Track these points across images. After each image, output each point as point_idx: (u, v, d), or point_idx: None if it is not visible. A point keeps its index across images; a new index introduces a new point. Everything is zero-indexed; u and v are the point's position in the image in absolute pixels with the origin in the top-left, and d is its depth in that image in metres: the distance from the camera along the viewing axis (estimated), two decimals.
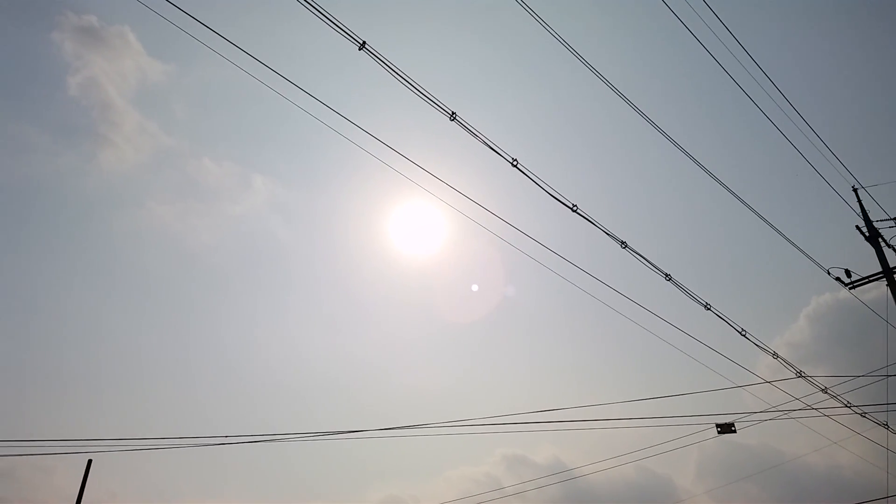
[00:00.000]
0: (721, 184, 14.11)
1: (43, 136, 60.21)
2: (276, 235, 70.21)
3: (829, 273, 17.71)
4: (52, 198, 60.18)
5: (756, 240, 69.28)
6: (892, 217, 18.14)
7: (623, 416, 14.93)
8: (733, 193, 14.51)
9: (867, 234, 18.04)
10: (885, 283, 17.14)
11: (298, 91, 8.43)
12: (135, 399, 49.31)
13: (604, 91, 12.52)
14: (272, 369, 59.34)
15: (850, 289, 18.00)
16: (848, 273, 17.83)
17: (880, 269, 17.36)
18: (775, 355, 13.77)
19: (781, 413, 15.92)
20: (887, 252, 17.66)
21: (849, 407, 15.30)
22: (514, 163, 9.49)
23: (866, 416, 15.83)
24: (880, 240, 17.85)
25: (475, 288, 64.90)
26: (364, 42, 7.99)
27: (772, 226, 15.58)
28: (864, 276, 17.65)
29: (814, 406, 15.27)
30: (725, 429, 14.31)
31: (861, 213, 18.34)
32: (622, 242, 10.91)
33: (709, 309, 12.35)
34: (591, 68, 11.48)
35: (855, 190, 18.68)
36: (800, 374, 14.27)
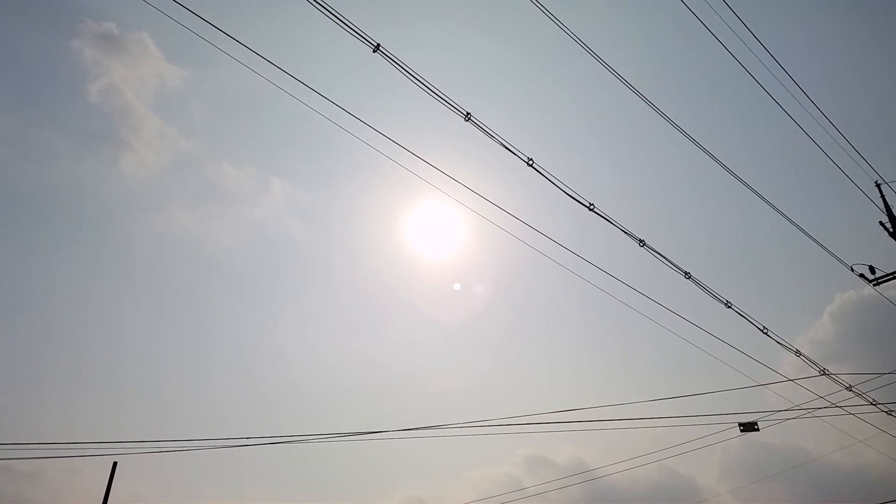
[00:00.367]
0: (741, 181, 13.98)
1: (65, 142, 61.17)
2: (295, 238, 70.69)
3: (852, 270, 17.45)
4: (74, 203, 61.13)
5: (778, 237, 68.49)
6: None
7: (644, 416, 14.84)
8: (754, 191, 14.37)
9: (891, 229, 17.76)
10: None
11: (314, 94, 8.50)
12: (157, 401, 49.89)
13: (620, 89, 12.43)
14: (292, 371, 59.76)
15: (874, 285, 17.73)
16: (872, 269, 17.56)
17: None
18: (798, 353, 13.60)
19: (805, 411, 15.74)
20: None
21: (874, 405, 15.08)
22: (530, 162, 9.47)
23: (893, 413, 15.59)
24: None
25: (483, 289, 64.90)
26: (378, 44, 8.03)
27: (793, 223, 15.40)
28: (889, 272, 17.38)
29: (838, 404, 15.07)
30: (748, 427, 14.17)
31: (885, 209, 18.06)
32: (640, 241, 10.84)
33: (729, 307, 12.23)
34: (608, 66, 11.43)
35: (878, 185, 18.39)
36: (823, 372, 14.08)
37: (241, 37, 7.83)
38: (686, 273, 11.52)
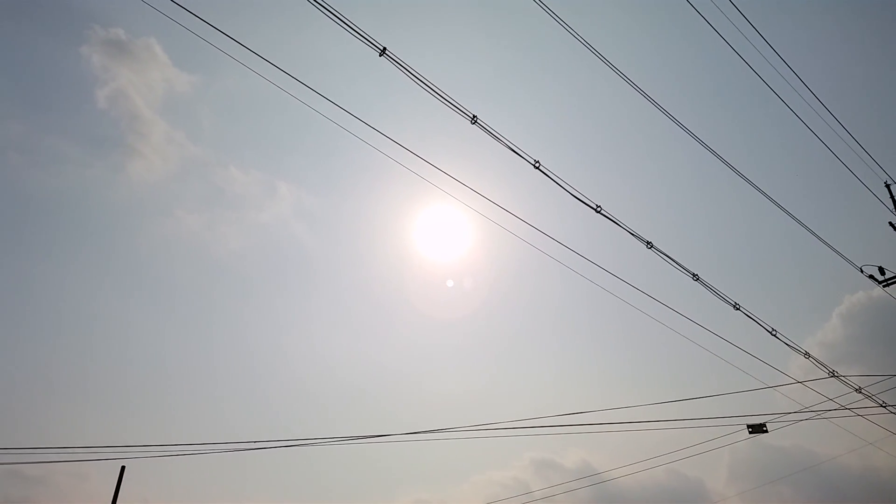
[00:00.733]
0: (750, 182, 13.93)
1: (73, 147, 61.50)
2: (301, 242, 70.81)
3: (861, 271, 17.36)
4: (82, 208, 61.40)
5: (786, 238, 68.18)
6: None
7: (652, 419, 14.78)
8: (762, 192, 14.31)
9: None
10: None
11: (320, 98, 8.51)
12: (165, 405, 50.01)
13: (627, 91, 12.42)
14: (298, 374, 59.82)
15: (884, 287, 17.62)
16: (881, 270, 17.46)
17: None
18: (807, 355, 13.52)
19: (815, 413, 15.64)
20: None
21: (884, 407, 14.97)
22: (537, 165, 9.46)
23: None
24: None
25: (489, 292, 64.89)
26: (384, 48, 8.04)
27: (802, 224, 15.33)
28: None
29: (848, 406, 14.97)
30: (757, 429, 14.10)
31: (894, 209, 17.96)
32: (648, 243, 10.81)
33: (738, 309, 12.17)
34: (614, 68, 11.41)
35: (888, 185, 18.30)
36: (833, 374, 14.00)
37: (247, 42, 7.86)
38: (694, 275, 11.48)
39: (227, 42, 7.80)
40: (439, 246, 60.88)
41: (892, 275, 17.35)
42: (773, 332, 12.73)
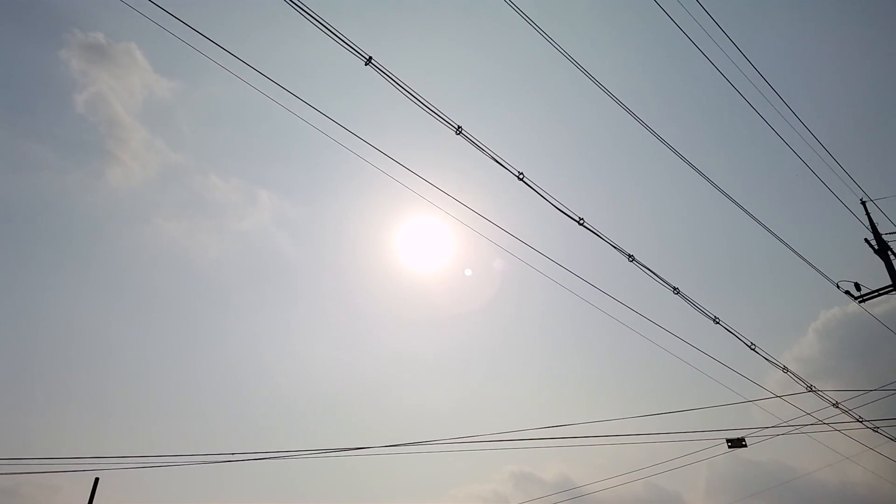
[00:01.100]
0: (728, 197, 14.08)
1: (51, 153, 60.76)
2: (282, 250, 70.42)
3: (838, 287, 17.58)
4: (60, 214, 60.62)
5: (763, 253, 69.02)
6: None
7: (632, 432, 14.81)
8: (741, 207, 14.47)
9: (876, 247, 17.92)
10: None
11: (304, 106, 8.47)
12: (141, 415, 49.25)
13: (610, 105, 12.51)
14: (278, 384, 59.26)
15: (859, 302, 17.85)
16: (857, 286, 17.69)
17: (890, 283, 17.23)
18: (785, 369, 13.65)
19: (793, 428, 15.76)
20: None
21: (861, 421, 15.13)
22: (521, 176, 9.48)
23: (879, 430, 15.65)
24: (889, 253, 17.72)
25: (472, 303, 64.87)
26: (370, 57, 8.03)
27: (780, 239, 15.52)
28: (874, 289, 17.51)
29: (825, 421, 15.10)
30: (736, 443, 14.16)
31: (870, 226, 18.24)
32: (629, 256, 10.86)
33: (717, 323, 12.26)
34: (597, 83, 11.50)
35: (863, 203, 18.59)
36: (810, 389, 14.13)
37: (233, 48, 7.81)
38: (675, 288, 11.55)
39: (212, 48, 7.76)
40: (422, 256, 60.86)
41: (868, 291, 17.59)
42: (753, 347, 12.83)
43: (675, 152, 12.91)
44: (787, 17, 70.69)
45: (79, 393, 49.93)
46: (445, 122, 8.73)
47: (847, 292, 17.69)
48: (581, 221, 10.19)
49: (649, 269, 11.14)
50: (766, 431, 15.88)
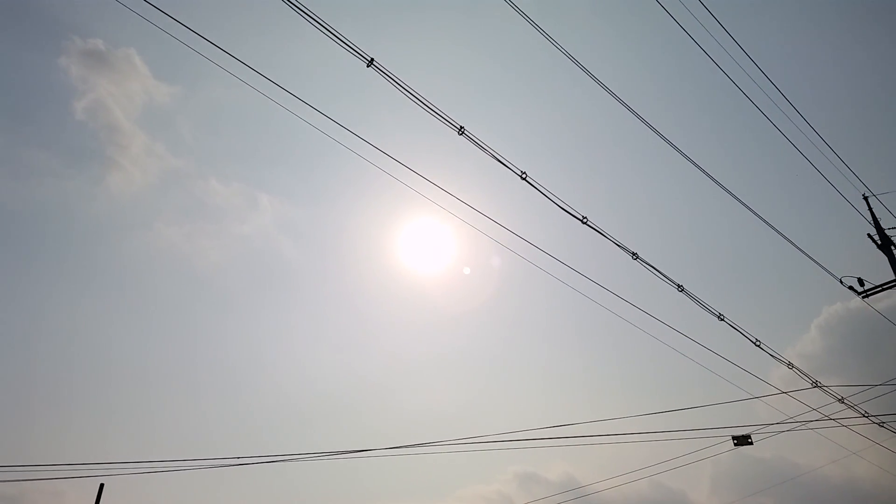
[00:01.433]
0: (731, 194, 14.05)
1: (52, 160, 60.77)
2: (283, 254, 70.42)
3: (841, 282, 17.55)
4: (61, 221, 60.62)
5: (764, 250, 69.00)
6: None
7: (637, 431, 14.78)
8: (743, 203, 14.45)
9: (879, 242, 17.89)
10: None
11: (306, 108, 8.46)
12: (145, 420, 49.24)
13: (612, 103, 12.49)
14: (280, 388, 59.25)
15: (863, 297, 17.83)
16: (861, 282, 17.66)
17: (894, 277, 17.21)
18: (790, 365, 13.62)
19: (798, 424, 15.72)
20: None
21: (866, 417, 15.10)
22: (524, 176, 9.47)
23: (884, 425, 15.62)
24: (892, 248, 17.70)
25: (475, 303, 64.83)
26: (372, 59, 8.02)
27: (782, 235, 15.49)
28: (878, 284, 17.49)
29: (831, 416, 15.08)
30: (742, 441, 14.13)
31: (872, 221, 18.21)
32: (633, 254, 10.84)
33: (722, 319, 12.23)
34: (599, 82, 11.48)
35: (866, 198, 18.56)
36: (816, 385, 14.10)
37: (233, 51, 7.80)
38: (679, 286, 11.52)
39: (213, 51, 7.75)
40: (424, 257, 60.85)
41: (872, 286, 17.56)
42: (758, 343, 12.80)
43: (677, 149, 12.89)
44: (788, 11, 70.70)
45: (82, 399, 49.96)
46: (448, 122, 8.72)
47: (851, 288, 17.67)
48: (584, 220, 10.18)
49: (653, 267, 11.13)
50: (771, 428, 15.86)
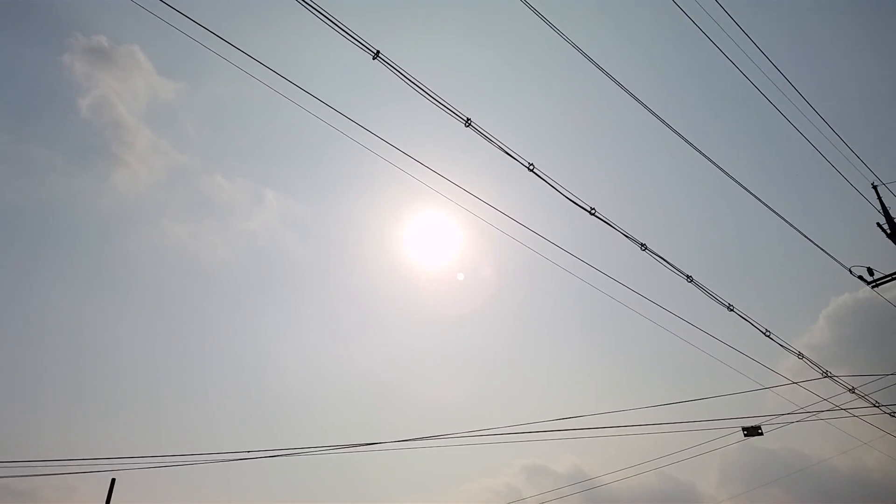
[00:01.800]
0: (739, 184, 13.97)
1: (57, 157, 61.02)
2: (289, 249, 70.56)
3: (851, 272, 17.44)
4: (67, 218, 60.92)
5: (773, 240, 68.72)
6: None
7: (645, 422, 14.75)
8: (752, 193, 14.35)
9: (888, 231, 17.76)
10: None
11: (312, 101, 8.43)
12: (155, 416, 49.52)
13: (619, 94, 12.39)
14: (288, 383, 59.47)
15: (872, 287, 17.71)
16: (870, 271, 17.54)
17: None
18: (800, 355, 13.55)
19: (809, 414, 15.67)
20: None
21: (877, 406, 15.03)
22: (531, 167, 9.42)
23: (895, 415, 15.54)
24: None
25: (483, 295, 64.80)
26: (378, 51, 7.98)
27: (792, 225, 15.40)
28: (888, 273, 17.37)
29: (841, 406, 15.01)
30: (752, 432, 14.08)
31: (882, 210, 18.07)
32: (642, 244, 10.79)
33: (732, 310, 12.17)
34: (606, 72, 11.41)
35: (875, 187, 18.42)
36: (826, 375, 14.03)
37: (237, 45, 7.77)
38: (688, 276, 11.47)
39: (218, 45, 7.72)
40: (431, 250, 60.86)
41: (882, 275, 17.44)
42: (767, 333, 12.74)
43: (685, 140, 12.81)
44: (796, 1, 70.17)
45: (92, 395, 50.25)
46: (455, 114, 8.68)
47: (860, 277, 17.55)
48: (593, 211, 10.13)
49: (662, 258, 11.07)
50: (781, 418, 15.80)
